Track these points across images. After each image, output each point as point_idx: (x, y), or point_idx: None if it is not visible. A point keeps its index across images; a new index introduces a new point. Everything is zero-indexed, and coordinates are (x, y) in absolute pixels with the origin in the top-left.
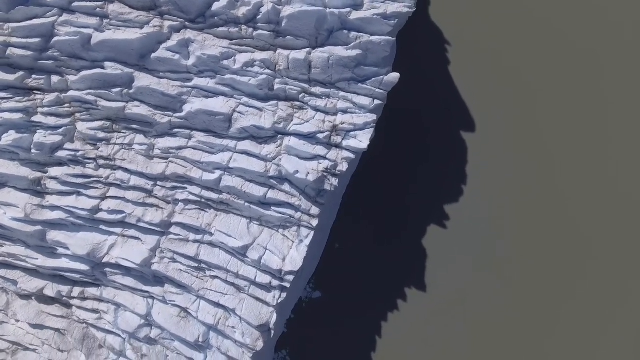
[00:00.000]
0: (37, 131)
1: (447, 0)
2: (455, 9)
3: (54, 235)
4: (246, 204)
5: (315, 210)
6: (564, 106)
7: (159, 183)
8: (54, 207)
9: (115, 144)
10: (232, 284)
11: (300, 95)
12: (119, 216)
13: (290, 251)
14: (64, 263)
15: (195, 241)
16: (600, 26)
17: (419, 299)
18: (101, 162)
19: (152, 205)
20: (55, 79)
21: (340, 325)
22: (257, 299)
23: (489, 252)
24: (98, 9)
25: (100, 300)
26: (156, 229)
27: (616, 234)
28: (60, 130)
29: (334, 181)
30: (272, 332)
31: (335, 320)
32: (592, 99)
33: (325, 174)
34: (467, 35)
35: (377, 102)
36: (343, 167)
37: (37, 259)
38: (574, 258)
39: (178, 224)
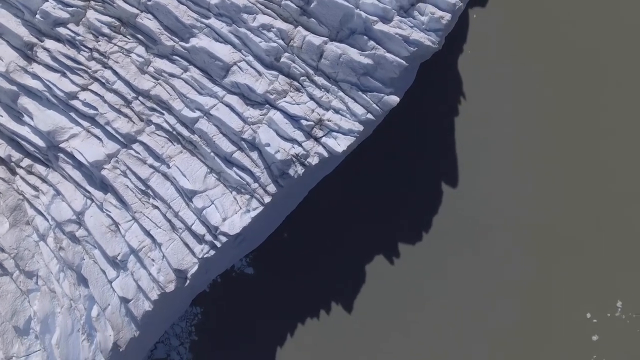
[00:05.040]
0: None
1: (478, 56)
2: (484, 67)
3: (25, 101)
4: (212, 153)
5: (272, 188)
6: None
7: (140, 98)
8: (35, 76)
9: (116, 44)
10: (169, 221)
11: (302, 78)
12: (91, 111)
13: (234, 215)
14: (24, 131)
15: (151, 166)
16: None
17: (343, 314)
18: (96, 55)
19: (125, 116)
20: None
21: (260, 306)
22: (186, 245)
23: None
24: None
25: (44, 180)
26: (120, 138)
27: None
28: (70, 9)
29: (300, 170)
30: (188, 281)
31: (257, 300)
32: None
33: (294, 159)
34: (481, 96)
35: (370, 116)
36: (313, 160)
37: (2, 116)
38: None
39: (142, 144)
